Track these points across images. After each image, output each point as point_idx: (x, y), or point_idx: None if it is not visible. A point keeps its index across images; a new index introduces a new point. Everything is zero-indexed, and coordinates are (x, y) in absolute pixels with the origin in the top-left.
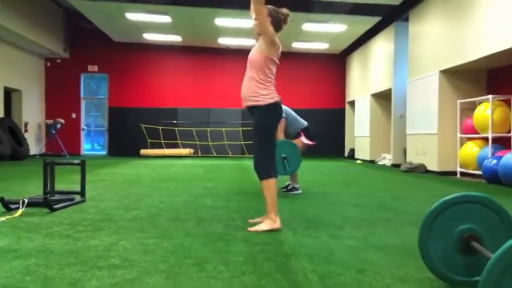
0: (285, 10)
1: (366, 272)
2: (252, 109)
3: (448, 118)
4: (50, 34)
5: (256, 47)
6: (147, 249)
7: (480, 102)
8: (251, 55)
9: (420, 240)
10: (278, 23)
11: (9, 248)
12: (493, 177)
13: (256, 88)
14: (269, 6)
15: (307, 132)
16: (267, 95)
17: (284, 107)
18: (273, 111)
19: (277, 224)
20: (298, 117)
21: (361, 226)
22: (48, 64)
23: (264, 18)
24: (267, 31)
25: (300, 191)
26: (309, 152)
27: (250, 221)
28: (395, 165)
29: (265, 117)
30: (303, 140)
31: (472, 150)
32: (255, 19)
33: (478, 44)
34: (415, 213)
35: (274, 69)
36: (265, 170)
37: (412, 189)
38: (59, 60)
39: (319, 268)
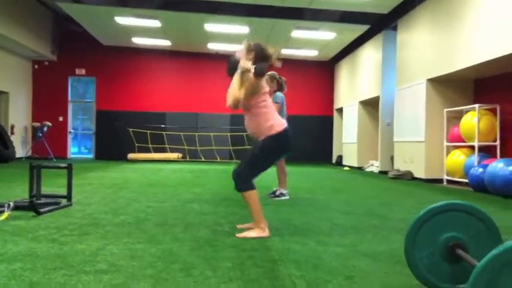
0: (270, 49)
1: (354, 279)
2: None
3: (435, 126)
4: (38, 36)
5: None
6: (135, 254)
7: (467, 111)
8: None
9: (406, 247)
10: (261, 59)
11: None
12: (479, 186)
13: (258, 125)
14: (255, 43)
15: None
16: (270, 127)
17: (281, 95)
18: (274, 142)
19: (265, 233)
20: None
21: (349, 233)
22: (36, 66)
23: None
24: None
25: (287, 197)
26: (296, 159)
27: (238, 226)
28: (383, 172)
29: (266, 146)
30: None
31: (458, 158)
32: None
33: (466, 53)
34: (403, 220)
35: (267, 98)
36: (245, 183)
37: (399, 196)
38: (46, 63)
39: (306, 274)
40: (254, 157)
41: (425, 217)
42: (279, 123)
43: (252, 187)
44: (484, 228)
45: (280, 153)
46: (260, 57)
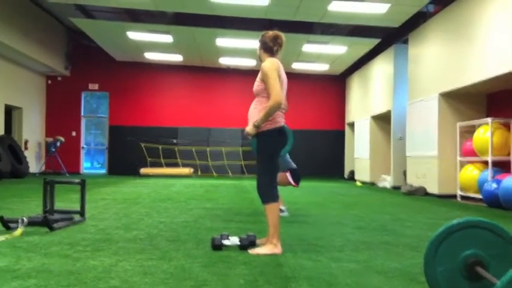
0: (271, 32)
1: None
2: (256, 134)
3: (447, 141)
4: (51, 52)
5: (257, 78)
6: (147, 271)
7: (480, 125)
8: (254, 86)
9: (426, 264)
10: (268, 49)
11: (8, 268)
12: (494, 201)
13: (258, 113)
14: (261, 37)
15: (293, 173)
16: (269, 122)
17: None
18: (275, 137)
19: (278, 249)
20: (289, 159)
21: (362, 249)
22: (49, 82)
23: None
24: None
25: (286, 213)
26: (308, 173)
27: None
28: (396, 188)
29: (268, 142)
30: (288, 176)
31: (472, 173)
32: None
33: (478, 67)
34: (416, 237)
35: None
36: (267, 195)
37: (412, 212)
38: (59, 78)
39: None
40: (261, 162)
41: (446, 233)
42: (277, 120)
43: (274, 199)
44: (505, 247)
45: (279, 145)
46: (264, 48)
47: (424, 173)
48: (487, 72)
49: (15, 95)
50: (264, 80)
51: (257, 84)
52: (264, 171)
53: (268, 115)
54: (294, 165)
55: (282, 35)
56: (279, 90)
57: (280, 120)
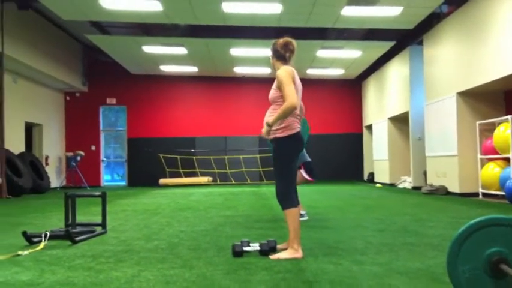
0: (282, 40)
1: None
2: (271, 140)
3: (467, 139)
4: (69, 69)
5: (273, 86)
6: (169, 280)
7: (499, 123)
8: (270, 94)
9: (449, 261)
10: (281, 57)
11: (32, 282)
12: None
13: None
14: (272, 46)
15: (307, 167)
16: (284, 127)
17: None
18: (290, 142)
19: (299, 254)
20: (305, 152)
21: (384, 251)
22: (68, 98)
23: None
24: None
25: (306, 217)
26: (327, 177)
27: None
28: (416, 188)
29: (283, 148)
30: (303, 173)
31: (493, 171)
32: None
33: (494, 65)
34: (438, 236)
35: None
36: (286, 200)
37: (433, 212)
38: (77, 94)
39: None
40: (278, 169)
41: (469, 231)
42: (292, 127)
43: (293, 204)
44: None
45: (294, 151)
46: (277, 57)
47: (444, 172)
48: (504, 70)
49: (34, 112)
50: (280, 87)
51: (273, 92)
52: (281, 177)
53: (282, 116)
54: (308, 159)
55: (293, 41)
56: (294, 94)
57: (296, 127)
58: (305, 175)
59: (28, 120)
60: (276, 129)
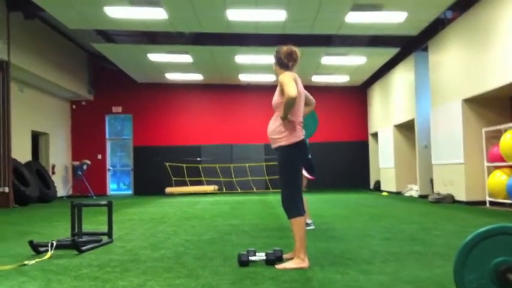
0: (285, 48)
1: None
2: (276, 149)
3: (473, 147)
4: (74, 77)
5: (276, 92)
6: None
7: (506, 130)
8: (273, 100)
9: (455, 269)
10: (284, 65)
11: None
12: None
13: (276, 128)
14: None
15: (307, 164)
16: (288, 135)
17: None
18: (294, 150)
19: (305, 263)
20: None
21: (390, 260)
22: (74, 107)
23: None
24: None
25: (312, 227)
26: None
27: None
28: (423, 196)
29: (287, 157)
30: (303, 171)
31: (500, 178)
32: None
33: (500, 71)
34: (445, 245)
35: (299, 103)
36: (292, 209)
37: (440, 220)
38: (83, 103)
39: None
40: (283, 177)
41: (476, 240)
42: (296, 134)
43: (299, 213)
44: None
45: (298, 158)
46: (280, 65)
47: (451, 180)
48: (510, 76)
49: (41, 121)
50: (281, 89)
51: (276, 98)
52: (287, 185)
53: (287, 110)
54: (309, 156)
55: (297, 49)
56: (293, 88)
57: (299, 134)
58: (305, 173)
59: (34, 129)
60: (280, 138)
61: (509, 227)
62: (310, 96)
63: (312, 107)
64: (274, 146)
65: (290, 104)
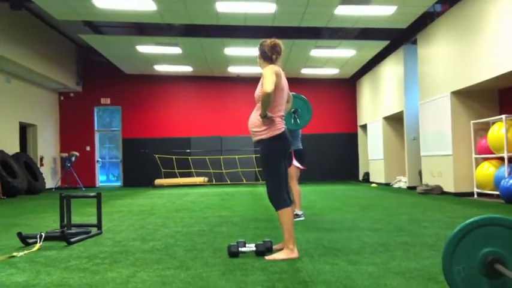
0: (269, 41)
1: None
2: (257, 142)
3: (462, 139)
4: (63, 69)
5: (259, 85)
6: (165, 281)
7: (494, 122)
8: (256, 92)
9: (444, 263)
10: (267, 58)
11: (27, 283)
12: (511, 197)
13: (257, 121)
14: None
15: (298, 154)
16: (268, 128)
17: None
18: (276, 143)
19: (294, 254)
20: (299, 139)
21: (379, 251)
22: (62, 98)
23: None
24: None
25: (302, 218)
26: (322, 177)
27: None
28: (411, 188)
29: (268, 150)
30: (294, 162)
31: (488, 170)
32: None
33: (488, 64)
34: (434, 236)
35: (279, 98)
36: (278, 201)
37: (429, 211)
38: (72, 94)
39: None
40: (266, 170)
41: (464, 230)
42: (277, 127)
43: (286, 204)
44: None
45: (280, 151)
46: (263, 57)
47: (439, 171)
48: (497, 69)
49: (29, 113)
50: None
51: (258, 90)
52: (271, 178)
53: (265, 107)
54: (300, 146)
55: (280, 42)
56: (271, 83)
57: (280, 127)
58: (296, 163)
59: (22, 120)
60: (260, 131)
61: (497, 217)
62: (289, 92)
63: (290, 103)
64: (255, 139)
65: (266, 100)
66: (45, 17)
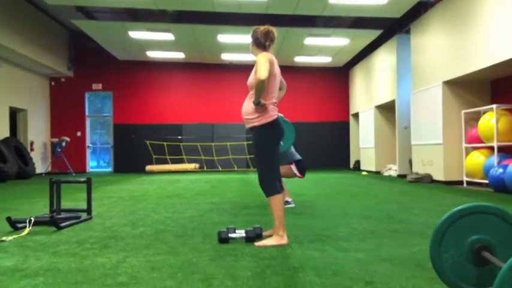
0: (262, 28)
1: (374, 284)
2: (250, 129)
3: (452, 128)
4: (54, 54)
5: (252, 72)
6: (155, 266)
7: (484, 112)
8: (248, 79)
9: (432, 250)
10: (260, 44)
11: (16, 268)
12: (500, 186)
13: (251, 109)
14: (253, 32)
15: (298, 165)
16: (261, 116)
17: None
18: (268, 130)
19: (284, 240)
20: (294, 151)
21: (369, 238)
22: (53, 83)
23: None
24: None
25: (292, 205)
26: (314, 165)
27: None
28: (402, 176)
29: (262, 137)
30: (293, 168)
31: (477, 159)
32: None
33: (481, 54)
34: (423, 224)
35: (272, 85)
36: (269, 187)
37: (418, 199)
38: (63, 79)
39: (326, 281)
40: (259, 157)
41: (452, 218)
42: (271, 114)
43: (276, 191)
44: (511, 231)
45: (274, 138)
46: (257, 44)
47: (430, 160)
48: (490, 59)
49: (19, 97)
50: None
51: (252, 77)
52: (263, 165)
53: (258, 93)
54: (298, 157)
55: (274, 29)
56: (265, 70)
57: (273, 114)
58: (295, 171)
59: (12, 105)
60: (253, 118)
61: (485, 205)
62: (283, 80)
63: (284, 90)
64: (248, 126)
65: (260, 87)
66: (37, 1)
